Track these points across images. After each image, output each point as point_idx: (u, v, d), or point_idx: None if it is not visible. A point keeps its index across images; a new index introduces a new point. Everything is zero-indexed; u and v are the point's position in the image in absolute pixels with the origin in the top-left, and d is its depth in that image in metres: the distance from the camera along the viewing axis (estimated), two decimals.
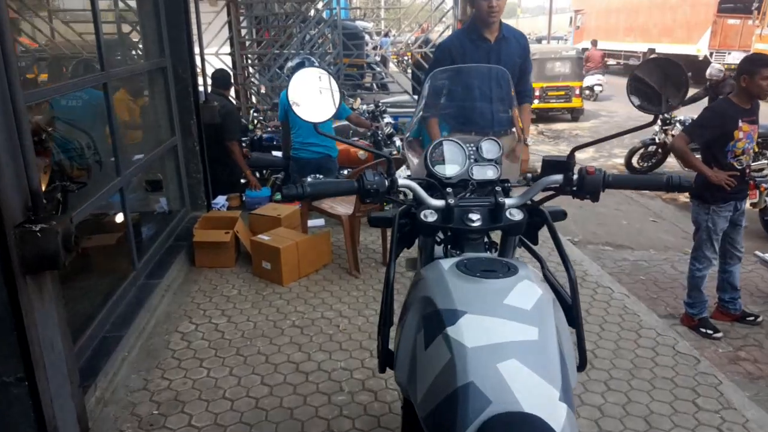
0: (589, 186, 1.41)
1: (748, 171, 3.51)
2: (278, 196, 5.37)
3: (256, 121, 7.00)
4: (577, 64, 13.27)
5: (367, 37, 12.10)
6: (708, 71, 8.27)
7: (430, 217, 1.43)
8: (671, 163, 8.16)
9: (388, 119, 6.66)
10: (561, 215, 1.53)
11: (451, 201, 1.42)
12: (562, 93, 12.89)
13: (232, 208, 5.12)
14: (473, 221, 1.42)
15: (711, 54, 16.88)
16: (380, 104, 6.79)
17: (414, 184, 1.45)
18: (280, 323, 3.38)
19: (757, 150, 3.00)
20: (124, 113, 4.29)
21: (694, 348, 3.23)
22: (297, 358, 3.02)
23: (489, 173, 1.56)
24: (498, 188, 1.48)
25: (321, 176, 5.04)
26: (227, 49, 8.28)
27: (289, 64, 5.08)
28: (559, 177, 1.43)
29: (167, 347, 3.15)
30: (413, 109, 8.11)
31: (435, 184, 1.52)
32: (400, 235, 1.52)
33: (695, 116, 8.14)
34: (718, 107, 3.61)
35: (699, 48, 17.38)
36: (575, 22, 27.12)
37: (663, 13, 19.05)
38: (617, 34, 22.16)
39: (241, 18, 8.69)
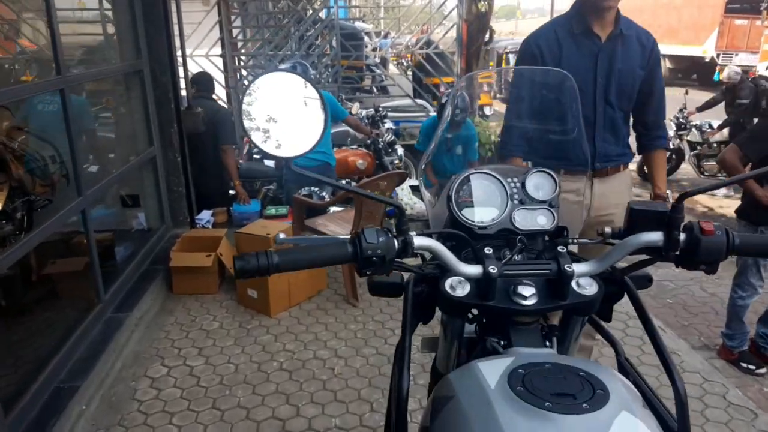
0: (706, 252, 0.94)
1: None
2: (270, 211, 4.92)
3: None
4: None
5: (366, 38, 11.66)
6: (725, 73, 7.84)
7: (459, 289, 0.99)
8: (685, 169, 7.75)
9: (389, 125, 6.22)
10: (645, 281, 1.08)
11: (493, 268, 0.96)
12: None
13: (218, 224, 4.66)
14: (526, 298, 0.97)
15: (718, 55, 16.44)
16: (380, 109, 6.34)
17: (438, 246, 0.99)
18: (265, 366, 2.93)
19: None
20: (91, 122, 3.84)
21: (744, 394, 2.78)
22: (283, 413, 2.56)
23: (540, 221, 1.12)
24: (561, 248, 1.03)
25: (317, 189, 4.60)
26: (218, 50, 7.83)
27: (280, 68, 4.69)
28: (656, 236, 0.97)
29: (133, 397, 2.69)
30: (415, 114, 7.74)
31: (463, 238, 1.07)
32: (415, 308, 1.08)
33: (712, 121, 7.81)
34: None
35: (705, 49, 16.95)
36: None
37: (668, 14, 18.60)
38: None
39: (233, 17, 8.23)
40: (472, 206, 1.14)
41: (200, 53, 7.51)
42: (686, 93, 8.24)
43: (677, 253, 0.97)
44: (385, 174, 3.70)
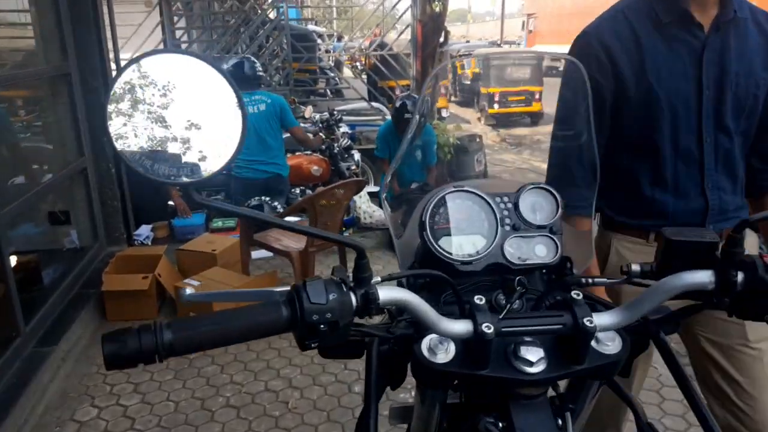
0: None
1: None
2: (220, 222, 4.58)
3: None
4: (537, 67, 12.96)
5: (319, 41, 11.37)
6: None
7: (441, 352, 0.74)
8: None
9: (344, 129, 5.95)
10: (673, 325, 0.84)
11: (488, 326, 0.71)
12: (522, 98, 12.59)
13: (158, 240, 4.29)
14: (532, 364, 0.73)
15: None
16: (335, 112, 6.07)
17: (413, 300, 0.73)
18: (209, 402, 2.61)
19: None
20: (10, 132, 3.45)
21: None
22: None
23: (539, 251, 0.89)
24: (576, 293, 0.78)
25: (268, 198, 4.29)
26: None
27: (226, 66, 4.37)
28: (705, 276, 0.73)
29: None
30: (372, 117, 7.49)
31: (443, 280, 0.82)
32: (381, 371, 0.82)
33: None
34: None
35: None
36: (528, 25, 27.09)
37: None
38: (571, 38, 22.03)
39: (176, 18, 7.83)
40: (451, 235, 0.90)
41: None
42: None
43: (733, 298, 0.73)
44: (342, 182, 3.43)
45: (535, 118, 13.06)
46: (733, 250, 0.72)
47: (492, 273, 0.89)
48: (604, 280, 0.85)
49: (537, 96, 12.66)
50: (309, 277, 0.70)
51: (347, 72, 13.67)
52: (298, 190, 4.95)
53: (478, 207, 0.91)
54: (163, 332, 0.61)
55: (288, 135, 4.31)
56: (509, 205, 0.92)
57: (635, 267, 0.80)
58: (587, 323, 0.72)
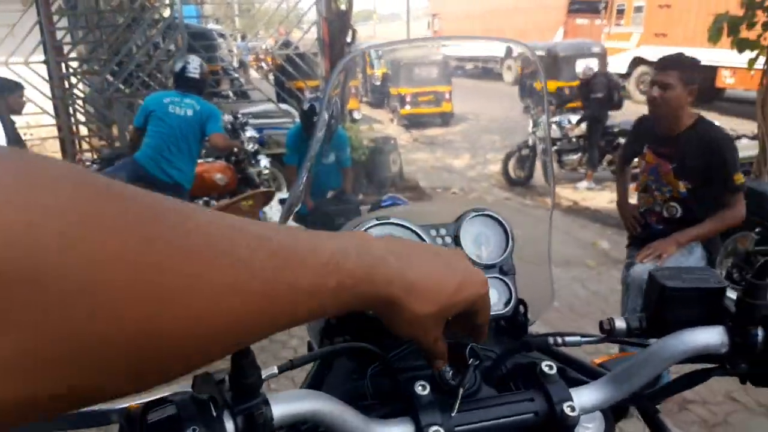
0: None
1: (653, 220, 2.56)
2: None
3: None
4: (445, 68, 13.16)
5: (221, 40, 10.84)
6: (580, 69, 8.14)
7: None
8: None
9: (251, 132, 5.56)
10: (664, 392, 0.64)
11: (437, 428, 0.47)
12: (432, 98, 12.68)
13: None
14: None
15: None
16: (240, 115, 5.68)
17: (326, 406, 0.48)
18: None
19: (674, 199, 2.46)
20: None
21: None
22: None
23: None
24: (547, 365, 0.56)
25: None
26: (41, 56, 6.68)
27: (176, 67, 3.92)
28: (713, 335, 0.54)
29: None
30: (281, 120, 7.12)
31: (370, 353, 0.57)
32: None
33: (571, 117, 8.04)
34: (639, 118, 2.84)
35: None
36: (433, 26, 27.54)
37: (517, 16, 19.65)
38: (466, 41, 22.61)
39: (56, 18, 7.09)
40: None
41: (18, 60, 6.36)
42: None
43: (752, 362, 0.54)
44: (248, 194, 3.11)
45: (446, 119, 13.22)
46: (755, 302, 0.53)
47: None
48: (577, 338, 0.63)
49: (446, 96, 12.83)
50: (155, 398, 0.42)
51: (253, 73, 13.19)
52: (201, 202, 4.53)
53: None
54: None
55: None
56: (447, 240, 0.71)
57: (619, 323, 0.59)
58: (567, 411, 0.52)
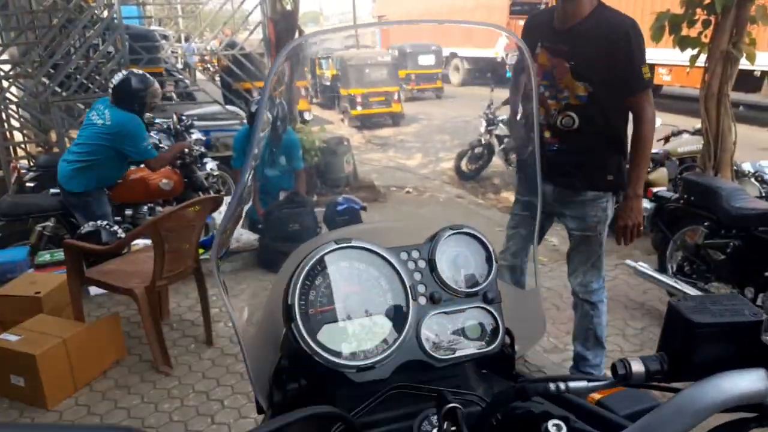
0: None
1: (547, 138, 2.21)
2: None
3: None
4: (394, 68, 13.17)
5: (164, 42, 10.44)
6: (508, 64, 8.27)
7: None
8: (497, 163, 7.99)
9: (197, 135, 5.36)
10: None
11: None
12: (383, 98, 12.66)
13: None
14: None
15: (507, 55, 17.84)
16: (183, 117, 5.46)
17: None
18: None
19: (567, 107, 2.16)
20: None
21: None
22: None
23: (472, 334, 0.61)
24: (555, 423, 0.49)
25: (105, 223, 3.63)
26: None
27: (114, 80, 3.64)
28: (755, 380, 0.44)
29: None
30: (228, 122, 6.90)
31: (335, 417, 0.50)
32: None
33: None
34: (531, 14, 2.52)
35: (497, 51, 18.33)
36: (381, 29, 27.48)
37: (462, 16, 19.80)
38: (421, 41, 22.68)
39: None
40: (337, 321, 0.58)
41: None
42: (492, 90, 8.53)
43: None
44: (195, 200, 2.95)
45: (397, 119, 13.22)
46: None
47: (406, 375, 0.59)
48: (583, 384, 0.54)
49: (396, 96, 12.84)
50: None
51: (199, 75, 12.82)
52: (146, 208, 4.32)
53: (376, 271, 0.61)
54: None
55: None
56: (421, 264, 0.64)
57: (637, 366, 0.50)
58: None
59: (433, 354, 0.62)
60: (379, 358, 0.60)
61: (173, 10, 12.40)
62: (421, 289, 0.64)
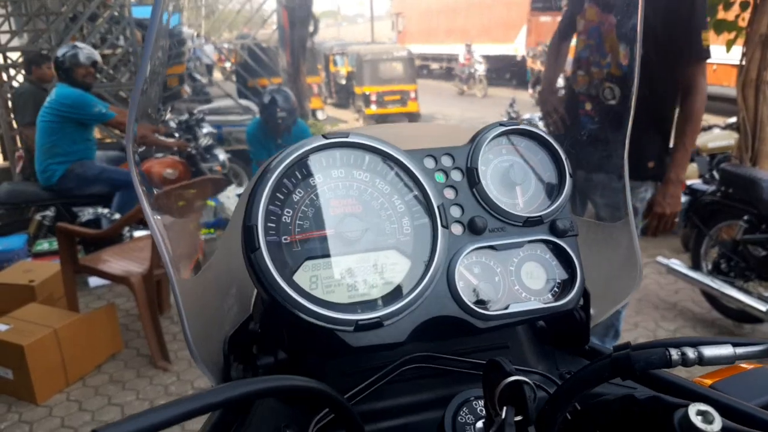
0: None
1: (585, 110, 1.92)
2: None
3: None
4: (410, 65, 12.81)
5: (189, 43, 10.39)
6: None
7: None
8: None
9: (207, 129, 5.30)
10: None
11: None
12: (398, 97, 12.34)
13: None
14: None
15: (528, 53, 17.49)
16: (195, 112, 5.41)
17: None
18: None
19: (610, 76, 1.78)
20: None
21: None
22: None
23: (533, 281, 0.41)
24: (701, 411, 0.28)
25: (106, 212, 3.51)
26: None
27: (60, 52, 3.79)
28: None
29: None
30: (241, 117, 6.76)
31: (319, 396, 0.31)
32: None
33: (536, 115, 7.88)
34: None
35: (516, 47, 17.97)
36: (397, 25, 27.32)
37: (481, 13, 19.50)
38: (438, 37, 22.39)
39: None
40: (326, 255, 0.40)
41: None
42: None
43: None
44: (193, 181, 2.79)
45: (413, 119, 12.92)
46: None
47: (430, 341, 0.40)
48: (728, 349, 0.33)
49: (412, 95, 12.50)
50: None
51: (217, 75, 12.70)
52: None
53: (387, 183, 0.42)
54: None
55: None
56: (456, 176, 0.44)
57: None
58: None
59: (475, 308, 0.42)
60: (389, 310, 0.40)
61: (197, 12, 12.33)
62: (455, 212, 0.45)
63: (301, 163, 0.42)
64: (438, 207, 0.43)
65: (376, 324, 0.40)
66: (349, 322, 0.40)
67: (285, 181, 0.42)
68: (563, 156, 0.47)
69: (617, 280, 0.54)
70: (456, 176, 0.46)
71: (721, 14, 3.55)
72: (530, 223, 0.45)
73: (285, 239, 0.41)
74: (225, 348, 0.47)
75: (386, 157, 0.44)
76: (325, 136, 0.43)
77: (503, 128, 0.47)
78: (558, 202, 0.46)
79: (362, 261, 0.42)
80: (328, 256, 0.41)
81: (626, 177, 0.60)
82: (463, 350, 0.46)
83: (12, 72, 6.11)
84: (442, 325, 0.43)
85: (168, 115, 5.31)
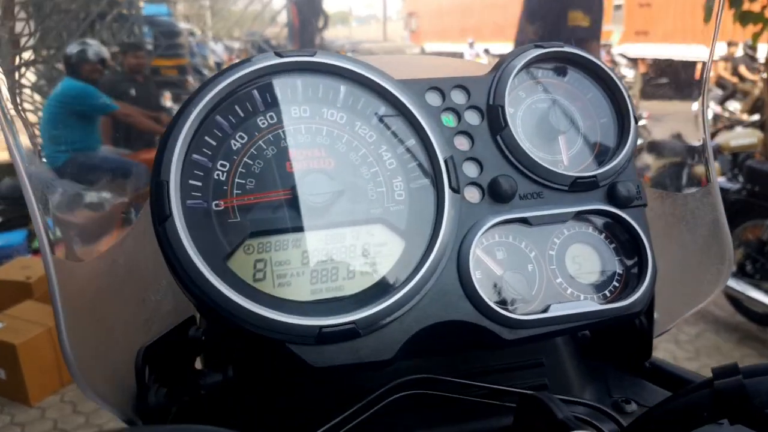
0: None
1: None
2: None
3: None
4: None
5: (191, 39, 10.40)
6: None
7: None
8: None
9: None
10: None
11: None
12: None
13: None
14: None
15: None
16: None
17: None
18: None
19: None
20: None
21: None
22: None
23: (586, 274, 0.28)
24: None
25: (110, 197, 3.47)
26: None
27: (69, 49, 4.02)
28: None
29: None
30: None
31: None
32: None
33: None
34: None
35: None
36: (410, 25, 27.25)
37: (495, 11, 19.36)
38: (452, 35, 22.28)
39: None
40: (281, 230, 0.28)
41: None
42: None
43: None
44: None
45: None
46: None
47: (434, 358, 0.28)
48: None
49: None
50: None
51: None
52: None
53: (371, 128, 0.30)
54: None
55: None
56: (472, 118, 0.33)
57: None
58: None
59: (498, 311, 0.30)
60: (369, 312, 0.28)
61: (202, 9, 12.38)
62: (470, 170, 0.32)
63: (244, 95, 0.30)
64: (445, 162, 0.31)
65: (349, 333, 0.28)
66: (308, 329, 0.28)
67: (218, 119, 0.30)
68: (625, 93, 0.34)
69: (694, 273, 0.41)
70: (472, 119, 0.33)
71: (746, 5, 3.40)
72: (579, 186, 0.32)
73: (216, 205, 0.30)
74: (138, 362, 0.36)
75: (371, 88, 0.31)
76: (279, 54, 0.31)
77: (541, 51, 0.35)
78: (618, 159, 0.33)
79: (333, 239, 0.29)
80: (283, 231, 0.29)
81: (706, 121, 0.48)
82: (480, 370, 0.34)
83: (22, 69, 6.13)
84: (449, 336, 0.30)
85: (169, 104, 5.39)
